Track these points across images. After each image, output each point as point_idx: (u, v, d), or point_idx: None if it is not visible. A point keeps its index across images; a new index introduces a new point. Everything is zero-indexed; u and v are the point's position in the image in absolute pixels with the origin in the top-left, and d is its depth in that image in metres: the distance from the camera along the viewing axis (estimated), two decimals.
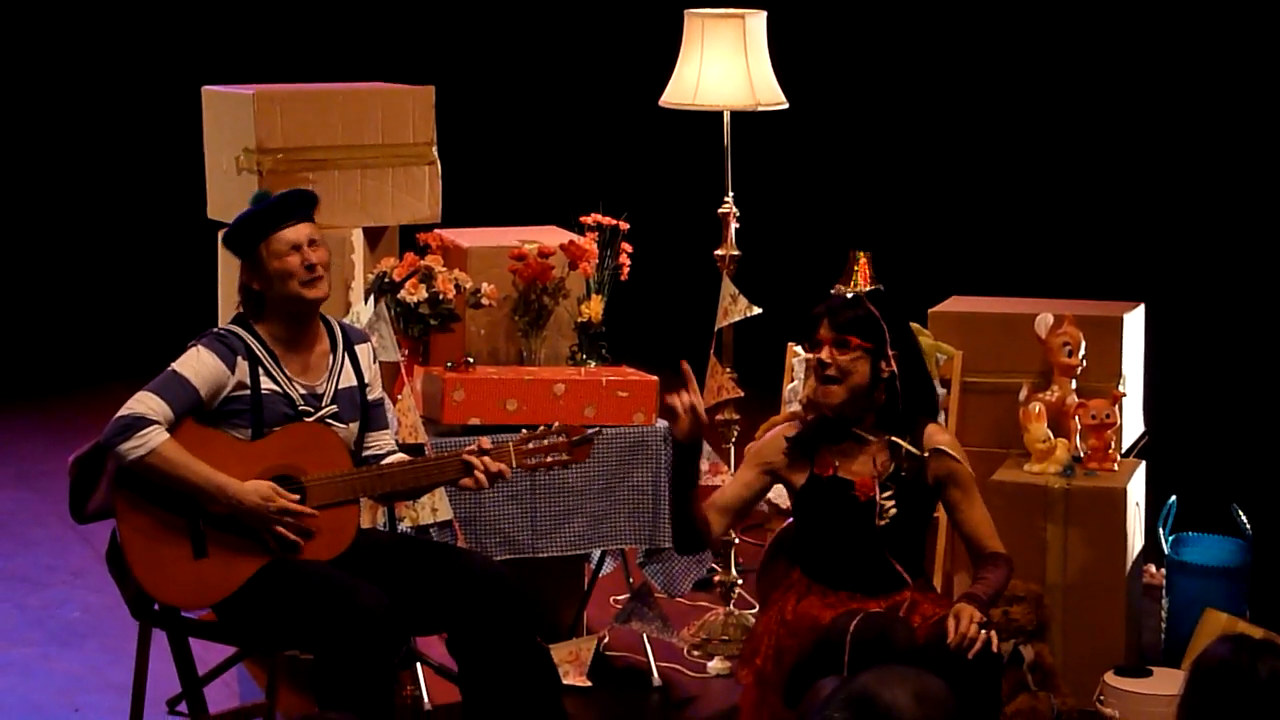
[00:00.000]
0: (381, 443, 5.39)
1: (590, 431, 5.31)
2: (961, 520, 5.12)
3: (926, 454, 5.06)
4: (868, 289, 5.13)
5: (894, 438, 5.06)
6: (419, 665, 6.06)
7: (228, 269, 6.69)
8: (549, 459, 5.29)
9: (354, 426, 5.29)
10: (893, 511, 5.03)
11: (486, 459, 5.19)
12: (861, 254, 5.10)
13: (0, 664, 6.52)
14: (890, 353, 5.04)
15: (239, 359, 5.12)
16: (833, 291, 5.14)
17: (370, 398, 5.35)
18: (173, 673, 5.48)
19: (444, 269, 6.19)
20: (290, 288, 5.17)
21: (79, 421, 9.20)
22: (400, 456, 5.40)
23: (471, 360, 6.17)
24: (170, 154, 9.46)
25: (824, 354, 5.02)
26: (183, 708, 5.61)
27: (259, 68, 8.65)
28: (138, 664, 5.41)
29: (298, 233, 5.20)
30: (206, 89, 6.86)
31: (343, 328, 5.35)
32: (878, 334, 5.04)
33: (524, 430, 5.33)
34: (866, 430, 5.07)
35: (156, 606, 5.24)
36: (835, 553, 5.07)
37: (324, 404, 5.21)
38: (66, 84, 11.40)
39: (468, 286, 6.22)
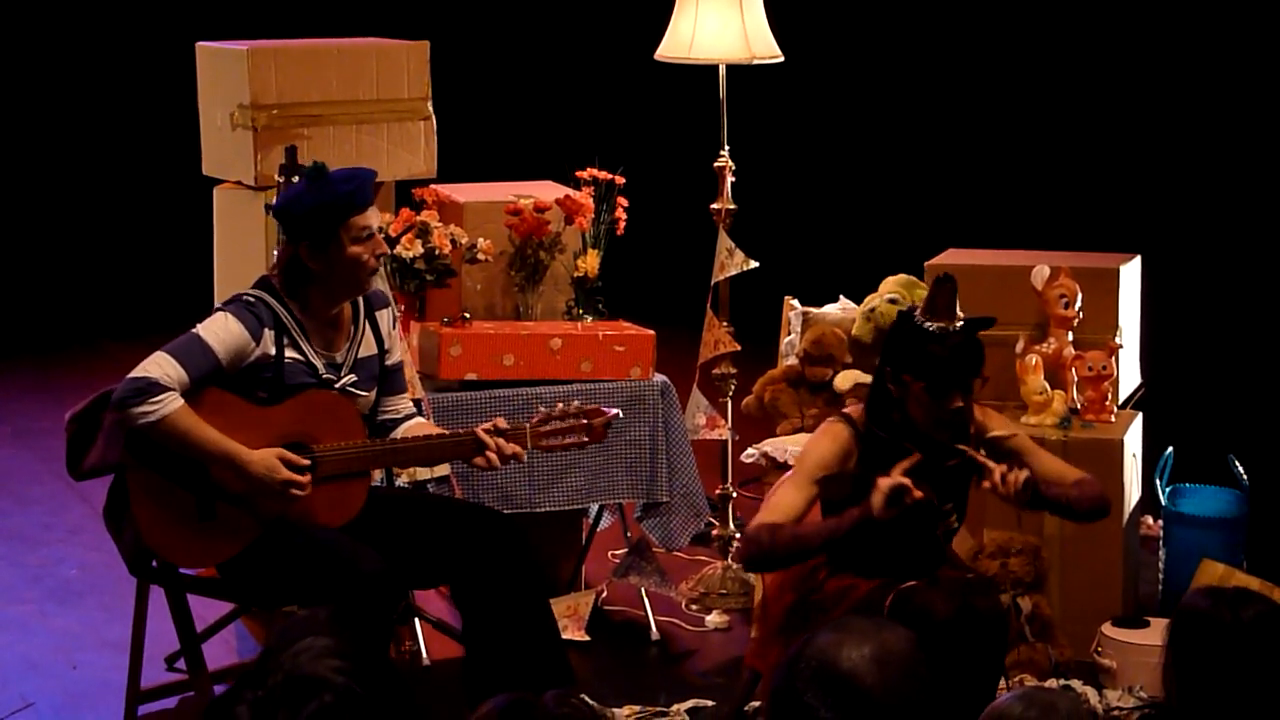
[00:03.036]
0: (398, 407, 5.37)
1: (610, 414, 5.29)
2: (1039, 482, 4.97)
3: (982, 451, 4.93)
4: (962, 320, 4.90)
5: (963, 447, 4.90)
6: (417, 620, 6.07)
7: (224, 226, 6.69)
8: (566, 439, 5.27)
9: (373, 394, 5.28)
10: (955, 526, 5.00)
11: (501, 440, 5.16)
12: (945, 281, 4.90)
13: None
14: None
15: (266, 330, 5.04)
16: (929, 328, 4.88)
17: (388, 363, 5.32)
18: (171, 630, 5.49)
19: (440, 224, 6.18)
20: (356, 276, 5.10)
21: (75, 379, 9.20)
22: (418, 420, 5.39)
23: (468, 316, 6.17)
24: (164, 111, 9.43)
25: (959, 401, 4.83)
26: (181, 664, 5.63)
27: (253, 24, 8.63)
28: (136, 620, 5.42)
29: (374, 216, 5.13)
30: (200, 45, 6.83)
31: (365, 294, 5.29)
32: None
33: (541, 409, 5.31)
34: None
35: (154, 563, 5.24)
36: (885, 550, 4.92)
37: (343, 373, 5.18)
38: (60, 42, 11.36)
39: (464, 242, 6.21)
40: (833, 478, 4.86)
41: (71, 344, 10.18)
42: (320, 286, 5.11)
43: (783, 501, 4.86)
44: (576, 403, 5.30)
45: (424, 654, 6.09)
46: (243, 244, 6.52)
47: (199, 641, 5.42)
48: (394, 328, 5.36)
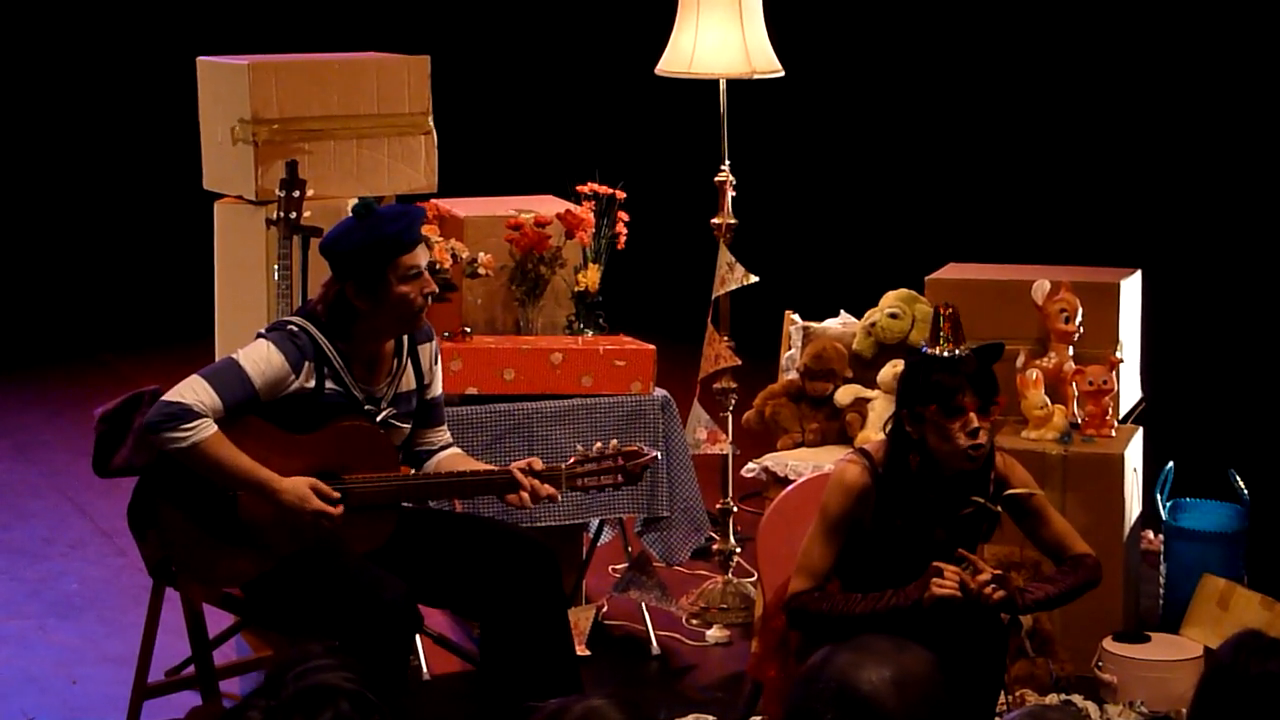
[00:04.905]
0: (434, 439, 5.35)
1: (648, 455, 5.24)
2: (1039, 541, 4.99)
3: (999, 509, 4.91)
4: (965, 348, 4.86)
5: (978, 498, 4.87)
6: (418, 635, 6.06)
7: (225, 241, 6.69)
8: (602, 480, 5.23)
9: (409, 426, 5.26)
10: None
11: (536, 481, 5.13)
12: (945, 309, 4.88)
13: None
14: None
15: (307, 362, 5.00)
16: (930, 352, 4.85)
17: (428, 397, 5.28)
18: (173, 644, 5.48)
19: (440, 239, 6.19)
20: (404, 315, 5.05)
21: (76, 394, 9.20)
22: (453, 451, 5.37)
23: (469, 330, 6.17)
24: (165, 125, 9.44)
25: (975, 421, 4.75)
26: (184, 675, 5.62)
27: (254, 38, 8.63)
28: (148, 624, 5.39)
29: (423, 254, 5.07)
30: (201, 60, 6.84)
31: None
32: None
33: (580, 447, 5.26)
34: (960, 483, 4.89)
35: (174, 568, 5.22)
36: (892, 578, 4.87)
37: (383, 406, 5.15)
38: (61, 56, 11.37)
39: (464, 256, 6.21)
40: (855, 525, 4.85)
41: (72, 358, 10.17)
42: (366, 324, 5.06)
43: (813, 562, 4.87)
44: (615, 442, 5.25)
45: (424, 669, 6.08)
46: (243, 259, 6.52)
47: (210, 648, 5.41)
48: (435, 362, 5.31)
